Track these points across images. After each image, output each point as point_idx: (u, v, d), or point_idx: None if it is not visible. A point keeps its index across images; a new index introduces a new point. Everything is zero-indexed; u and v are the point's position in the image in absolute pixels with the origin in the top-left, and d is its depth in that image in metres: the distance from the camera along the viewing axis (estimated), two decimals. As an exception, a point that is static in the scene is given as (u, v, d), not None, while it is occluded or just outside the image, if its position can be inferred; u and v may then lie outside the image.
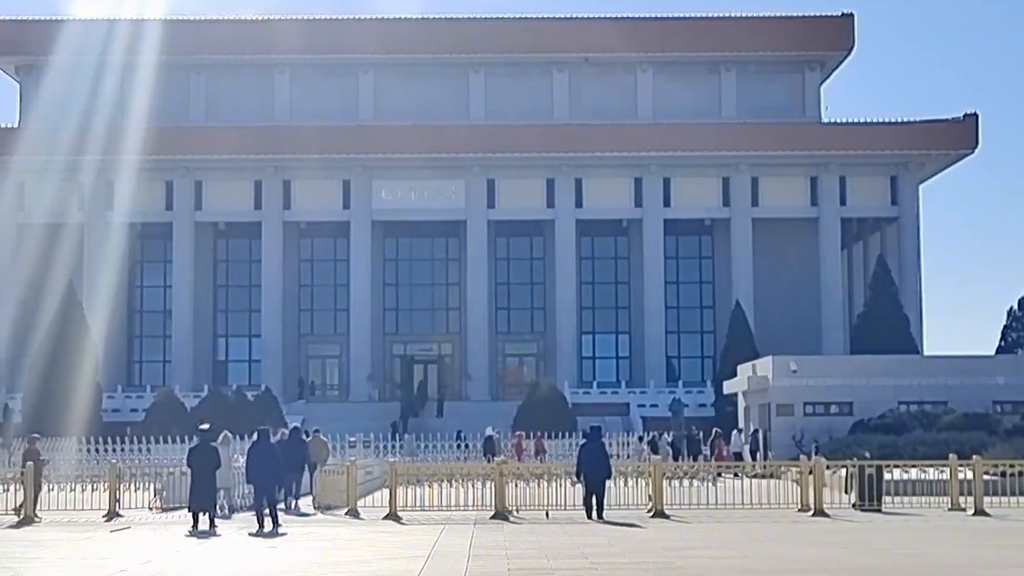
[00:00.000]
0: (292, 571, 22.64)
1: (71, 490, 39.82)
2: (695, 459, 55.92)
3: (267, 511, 30.60)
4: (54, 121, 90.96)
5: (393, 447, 58.44)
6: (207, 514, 31.09)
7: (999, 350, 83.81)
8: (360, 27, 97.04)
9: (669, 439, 61.90)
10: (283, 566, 23.43)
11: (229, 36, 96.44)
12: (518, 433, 63.12)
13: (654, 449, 55.68)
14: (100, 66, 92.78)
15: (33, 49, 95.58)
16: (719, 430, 63.70)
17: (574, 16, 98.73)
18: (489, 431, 59.74)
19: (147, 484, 39.78)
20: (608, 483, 34.41)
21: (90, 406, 74.92)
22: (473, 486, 36.96)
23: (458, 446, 61.09)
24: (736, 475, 47.16)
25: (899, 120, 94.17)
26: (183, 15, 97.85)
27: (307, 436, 41.91)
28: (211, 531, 30.28)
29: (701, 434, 64.09)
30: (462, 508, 35.29)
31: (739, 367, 70.64)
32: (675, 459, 55.17)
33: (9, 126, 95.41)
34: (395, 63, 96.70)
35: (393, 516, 33.64)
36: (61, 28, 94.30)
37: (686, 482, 39.31)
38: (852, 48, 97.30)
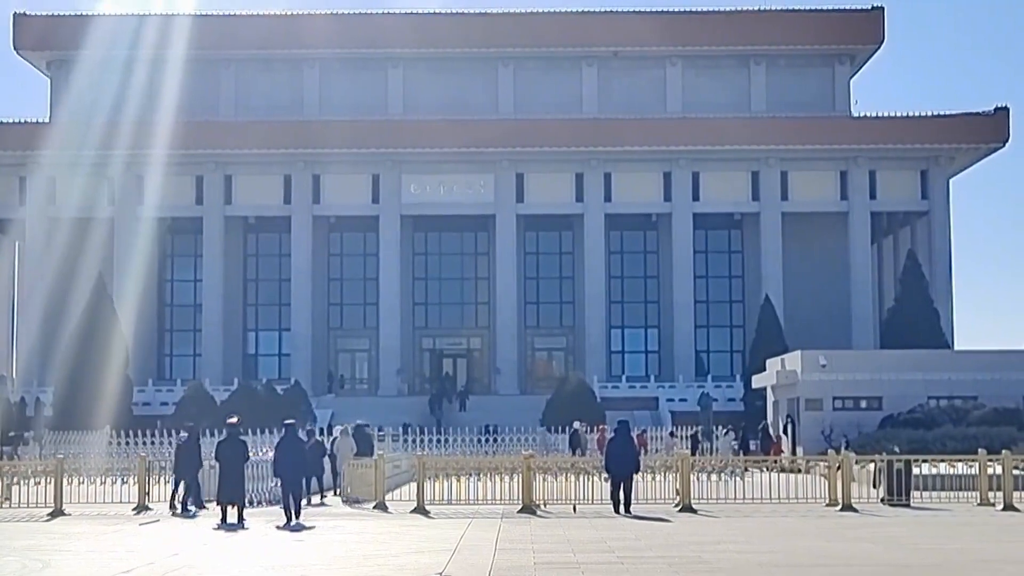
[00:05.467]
0: (319, 564, 22.71)
1: (101, 483, 39.99)
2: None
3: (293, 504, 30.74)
4: (84, 116, 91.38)
5: (425, 440, 57.38)
6: (235, 507, 31.18)
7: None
8: (389, 21, 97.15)
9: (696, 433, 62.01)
10: (310, 559, 23.50)
11: (258, 31, 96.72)
12: (602, 427, 62.98)
13: (694, 445, 55.72)
14: (130, 61, 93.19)
15: (64, 44, 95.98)
16: (767, 422, 64.01)
17: (603, 10, 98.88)
18: (576, 424, 60.08)
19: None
20: (636, 477, 34.40)
21: (120, 400, 75.10)
22: (501, 480, 36.95)
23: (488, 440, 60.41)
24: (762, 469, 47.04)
25: (929, 114, 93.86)
26: (212, 10, 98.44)
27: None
28: (239, 524, 30.36)
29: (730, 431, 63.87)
30: (490, 502, 35.30)
31: (768, 361, 70.43)
32: (692, 453, 55.12)
33: (40, 121, 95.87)
34: (424, 57, 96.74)
35: (421, 510, 33.66)
36: (91, 23, 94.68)
37: (714, 476, 39.31)
38: (882, 42, 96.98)
